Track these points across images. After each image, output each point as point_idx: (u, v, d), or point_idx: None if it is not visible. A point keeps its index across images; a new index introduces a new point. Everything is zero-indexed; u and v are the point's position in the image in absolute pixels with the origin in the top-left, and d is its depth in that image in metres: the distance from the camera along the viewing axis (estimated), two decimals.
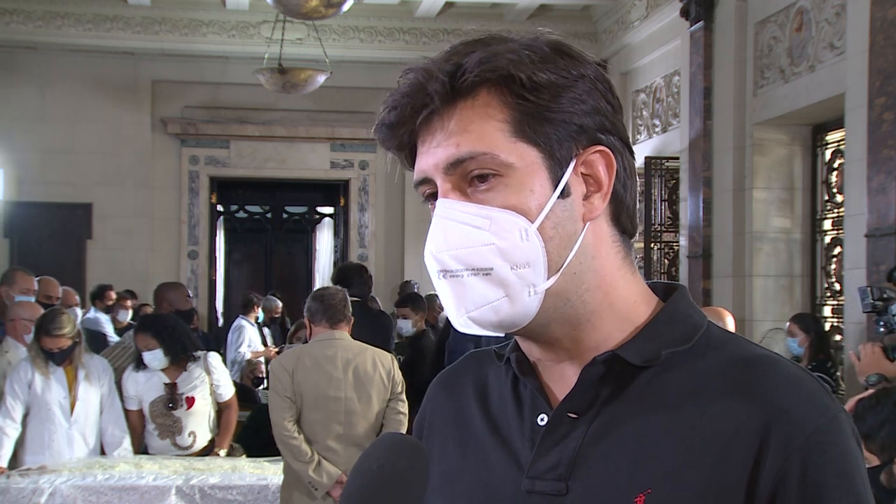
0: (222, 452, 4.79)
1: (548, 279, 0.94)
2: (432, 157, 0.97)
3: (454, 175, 0.96)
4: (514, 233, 0.93)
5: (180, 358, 4.78)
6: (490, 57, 0.94)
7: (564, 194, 0.95)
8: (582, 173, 0.96)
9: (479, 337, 1.16)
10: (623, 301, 0.99)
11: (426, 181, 0.99)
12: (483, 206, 0.94)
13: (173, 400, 4.74)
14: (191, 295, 7.04)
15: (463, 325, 0.97)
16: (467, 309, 0.95)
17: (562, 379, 1.00)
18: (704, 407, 0.92)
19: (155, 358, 4.74)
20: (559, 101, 0.94)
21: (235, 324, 8.77)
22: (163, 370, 4.78)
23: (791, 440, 0.88)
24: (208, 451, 4.81)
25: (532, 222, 0.93)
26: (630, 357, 0.96)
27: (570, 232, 0.95)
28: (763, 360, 0.95)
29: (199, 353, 4.90)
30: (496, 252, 0.93)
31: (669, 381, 0.95)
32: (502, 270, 0.94)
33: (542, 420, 0.99)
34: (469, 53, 0.95)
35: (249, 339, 8.62)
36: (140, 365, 4.80)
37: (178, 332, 4.84)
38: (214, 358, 4.96)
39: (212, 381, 4.86)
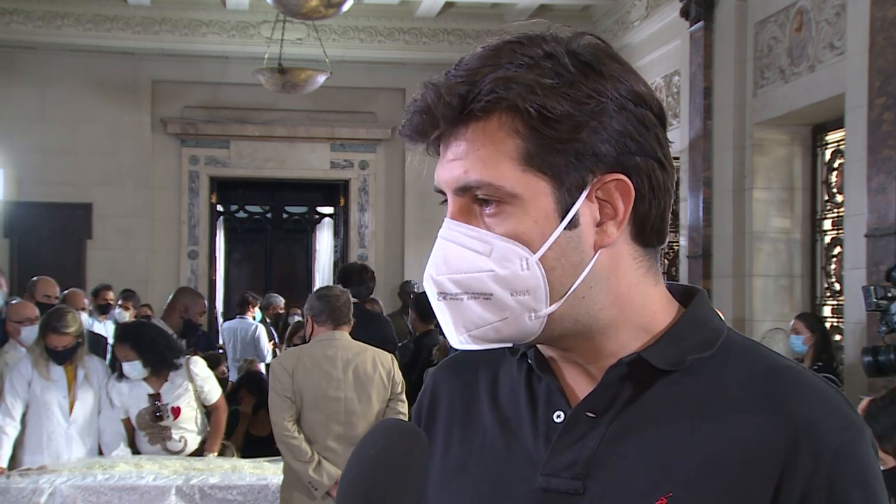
0: (212, 455, 4.77)
1: (550, 305, 0.94)
2: (446, 171, 0.96)
3: (463, 197, 0.95)
4: (514, 262, 0.92)
5: (160, 369, 4.74)
6: (503, 82, 0.91)
7: (572, 225, 0.93)
8: (598, 198, 0.94)
9: None
10: (640, 315, 0.98)
11: (443, 191, 0.98)
12: (486, 232, 0.93)
13: (159, 411, 4.70)
14: (205, 310, 6.96)
15: (463, 342, 0.96)
16: (467, 329, 0.95)
17: (581, 378, 1.00)
18: (729, 415, 0.92)
19: (134, 369, 4.70)
20: (574, 133, 0.92)
21: (255, 330, 8.71)
22: (145, 380, 4.74)
23: (820, 453, 0.88)
24: (199, 453, 4.79)
25: (534, 252, 0.92)
26: (655, 361, 0.95)
27: (576, 261, 0.94)
28: (788, 370, 0.95)
29: (181, 359, 4.85)
30: (495, 279, 0.93)
31: (692, 387, 0.95)
32: (502, 296, 0.93)
33: (558, 417, 0.98)
34: (489, 71, 0.92)
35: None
36: (121, 375, 4.76)
37: (157, 342, 4.78)
38: (196, 364, 4.89)
39: (195, 388, 4.82)
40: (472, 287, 0.94)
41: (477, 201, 0.95)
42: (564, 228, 0.93)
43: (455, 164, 0.95)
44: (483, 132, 0.93)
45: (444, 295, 0.96)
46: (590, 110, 0.92)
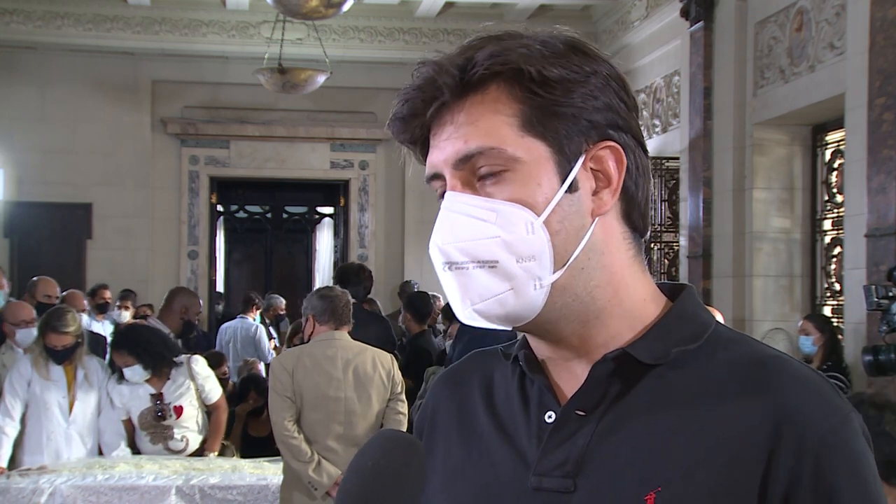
0: (213, 455, 4.77)
1: (554, 273, 0.94)
2: (442, 151, 0.97)
3: (463, 170, 0.96)
4: (519, 226, 0.93)
5: (160, 368, 4.73)
6: (501, 51, 0.94)
7: (572, 189, 0.95)
8: (591, 168, 0.96)
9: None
10: (632, 299, 0.99)
11: (437, 176, 0.99)
12: (490, 199, 0.94)
13: (162, 410, 4.69)
14: (201, 310, 6.96)
15: (468, 317, 0.97)
16: (472, 301, 0.96)
17: (570, 377, 1.00)
18: (715, 406, 0.92)
19: (135, 373, 4.69)
20: (570, 96, 0.94)
21: (256, 330, 8.70)
22: (147, 381, 4.72)
23: (804, 441, 0.88)
24: (200, 452, 4.78)
25: (538, 216, 0.94)
26: (640, 355, 0.96)
27: (577, 226, 0.95)
28: (773, 360, 0.95)
29: (181, 357, 4.84)
30: (502, 245, 0.94)
31: (679, 379, 0.95)
32: (508, 263, 0.94)
33: (549, 417, 0.99)
34: (482, 48, 0.95)
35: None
36: (121, 377, 4.74)
37: (154, 343, 4.76)
38: (197, 363, 4.88)
39: (197, 386, 4.81)
40: (479, 254, 0.94)
41: (477, 174, 0.96)
42: (566, 192, 0.95)
43: (452, 140, 0.96)
44: (481, 102, 0.95)
45: (450, 265, 0.96)
46: (581, 78, 0.95)
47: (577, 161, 0.95)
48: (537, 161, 0.94)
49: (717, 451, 0.90)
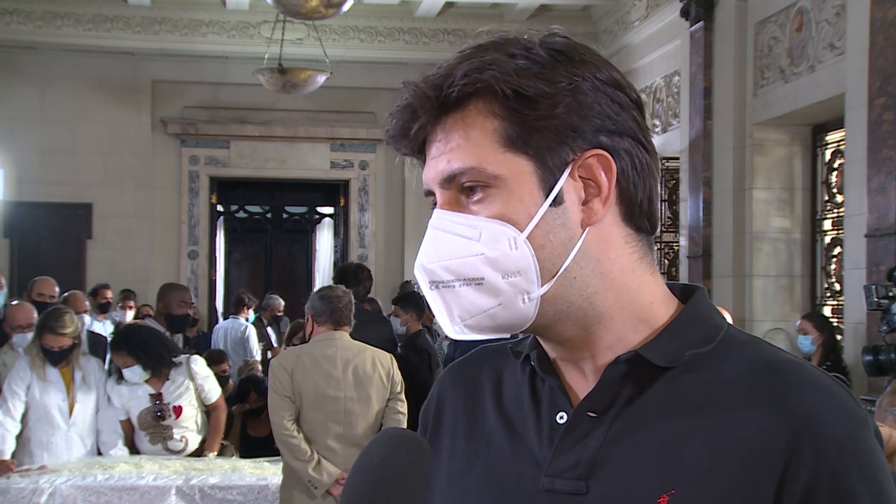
0: (212, 455, 4.77)
1: (542, 286, 0.94)
2: (431, 169, 0.98)
3: (449, 188, 0.96)
4: (503, 242, 0.93)
5: (159, 369, 4.72)
6: (476, 69, 0.93)
7: (557, 202, 0.94)
8: (581, 177, 0.95)
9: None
10: (637, 303, 0.98)
11: (432, 191, 0.99)
12: (472, 217, 0.94)
13: (161, 410, 4.69)
14: (192, 301, 6.87)
15: (458, 332, 0.97)
16: (462, 318, 0.96)
17: (580, 378, 1.00)
18: (730, 410, 0.92)
19: (134, 374, 4.68)
20: (550, 109, 0.93)
21: (245, 329, 8.68)
22: (146, 381, 4.72)
23: (822, 446, 0.88)
24: (199, 452, 4.78)
25: (521, 231, 0.93)
26: (653, 357, 0.95)
27: (564, 239, 0.94)
28: (788, 364, 0.94)
29: (181, 357, 4.84)
30: (486, 262, 0.93)
31: (692, 382, 0.95)
32: (494, 279, 0.93)
33: (561, 418, 0.98)
34: (462, 63, 0.95)
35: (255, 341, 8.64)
36: (121, 377, 4.74)
37: (152, 343, 4.75)
38: (197, 363, 4.88)
39: (196, 386, 4.81)
40: (464, 273, 0.94)
41: (463, 191, 0.96)
42: (550, 206, 0.94)
43: (438, 158, 0.96)
44: (462, 121, 0.95)
45: (436, 283, 0.96)
46: (564, 88, 0.93)
47: (561, 173, 0.94)
48: (519, 177, 0.94)
49: (731, 455, 0.89)
